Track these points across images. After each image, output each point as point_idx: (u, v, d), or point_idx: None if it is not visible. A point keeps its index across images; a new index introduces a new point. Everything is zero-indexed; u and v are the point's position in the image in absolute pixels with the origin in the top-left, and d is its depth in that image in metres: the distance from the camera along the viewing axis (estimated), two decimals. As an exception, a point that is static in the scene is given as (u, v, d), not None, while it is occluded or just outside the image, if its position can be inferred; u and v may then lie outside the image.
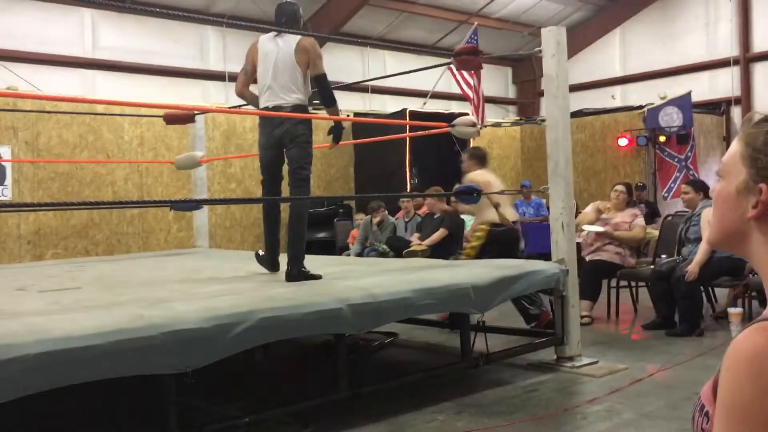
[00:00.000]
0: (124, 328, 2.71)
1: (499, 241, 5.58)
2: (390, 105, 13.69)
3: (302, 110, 4.37)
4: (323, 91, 4.48)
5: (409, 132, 8.92)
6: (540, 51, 4.55)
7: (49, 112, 8.28)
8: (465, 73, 9.78)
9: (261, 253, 4.64)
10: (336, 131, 4.59)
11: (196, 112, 6.75)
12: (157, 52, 11.99)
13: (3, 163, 8.31)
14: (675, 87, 12.83)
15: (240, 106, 6.18)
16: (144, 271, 5.36)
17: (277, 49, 4.45)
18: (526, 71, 16.12)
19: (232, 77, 12.83)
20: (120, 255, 8.34)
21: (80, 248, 8.76)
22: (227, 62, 12.92)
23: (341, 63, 13.83)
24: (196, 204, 7.33)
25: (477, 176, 5.74)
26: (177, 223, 9.50)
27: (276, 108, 4.29)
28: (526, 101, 16.64)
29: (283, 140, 4.30)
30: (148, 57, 11.86)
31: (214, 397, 3.64)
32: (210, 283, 4.21)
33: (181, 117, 7.05)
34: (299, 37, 4.50)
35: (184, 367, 2.80)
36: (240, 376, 4.37)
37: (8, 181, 8.41)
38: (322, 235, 10.38)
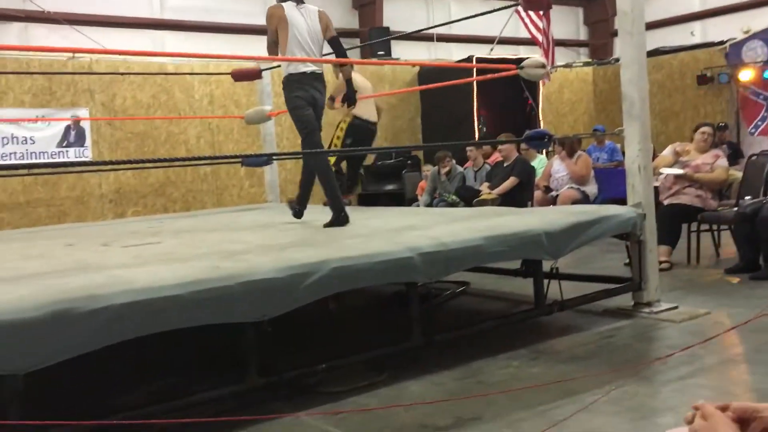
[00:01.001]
0: (203, 278, 2.78)
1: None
2: (456, 53, 13.41)
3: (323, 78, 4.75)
4: (342, 50, 4.82)
5: (476, 77, 8.74)
6: (613, -15, 4.34)
7: (122, 74, 8.50)
8: (534, 16, 9.48)
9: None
10: (349, 94, 4.97)
11: (262, 67, 6.79)
12: (222, 10, 12.06)
13: (82, 125, 8.61)
14: (759, 19, 12.07)
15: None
16: (219, 226, 5.50)
17: (305, 21, 4.64)
18: (598, 10, 15.48)
19: (297, 32, 12.85)
20: (196, 211, 8.58)
21: (159, 206, 9.06)
22: (291, 17, 12.91)
23: (404, 12, 13.61)
24: (266, 159, 7.44)
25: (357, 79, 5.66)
26: (248, 180, 9.69)
27: (317, 75, 4.66)
28: (599, 42, 16.01)
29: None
30: (213, 15, 11.95)
31: (291, 346, 3.73)
32: (282, 236, 4.28)
33: (249, 73, 7.14)
34: (316, 8, 4.74)
35: (261, 315, 2.87)
36: (314, 325, 4.46)
37: (88, 142, 8.72)
38: (390, 187, 10.39)
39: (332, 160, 6.90)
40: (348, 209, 4.74)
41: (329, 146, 6.95)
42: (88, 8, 10.81)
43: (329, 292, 3.19)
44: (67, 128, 8.52)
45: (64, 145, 8.53)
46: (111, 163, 7.80)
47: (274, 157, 8.25)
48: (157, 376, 3.58)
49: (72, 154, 8.58)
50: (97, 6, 10.90)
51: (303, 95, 4.62)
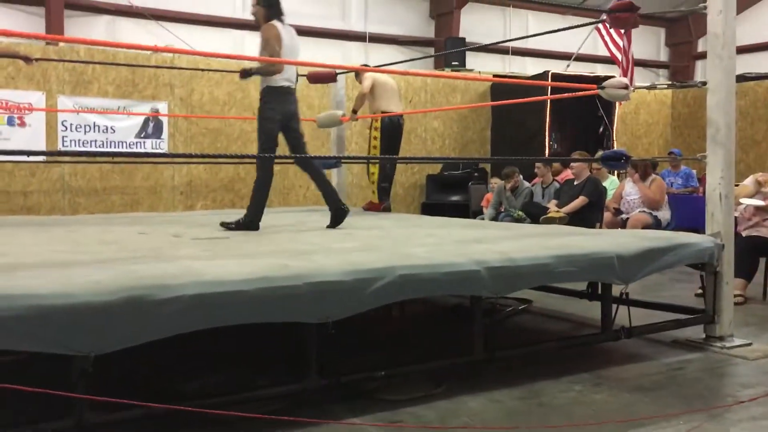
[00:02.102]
0: (271, 276, 2.80)
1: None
2: (531, 67, 13.29)
3: None
4: None
5: (552, 95, 8.60)
6: (705, 7, 4.20)
7: (202, 70, 8.71)
8: (614, 34, 9.29)
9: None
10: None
11: (337, 71, 6.86)
12: (300, 13, 12.25)
13: (160, 118, 8.87)
14: None
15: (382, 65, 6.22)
16: (285, 225, 5.55)
17: (291, 39, 5.06)
18: (682, 32, 15.09)
19: (373, 38, 12.96)
20: (262, 209, 8.70)
21: (227, 200, 9.24)
22: (368, 23, 13.02)
23: (481, 23, 13.56)
24: (334, 161, 7.50)
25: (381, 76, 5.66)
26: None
27: (292, 90, 5.05)
28: (680, 64, 15.58)
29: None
30: (291, 18, 12.11)
31: (352, 349, 3.73)
32: (349, 239, 4.29)
33: (324, 76, 7.23)
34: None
35: (324, 317, 2.87)
36: (376, 330, 4.45)
37: (164, 135, 8.97)
38: (456, 198, 10.33)
39: (375, 170, 6.95)
40: (410, 217, 4.83)
41: (369, 152, 7.05)
42: (172, 5, 11.18)
43: (394, 299, 3.17)
44: (146, 120, 8.78)
45: (142, 136, 8.80)
46: (185, 155, 8.01)
47: (342, 160, 8.32)
48: (220, 367, 3.63)
49: (149, 145, 8.84)
50: (181, 3, 11.25)
51: (279, 108, 4.92)
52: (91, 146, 8.43)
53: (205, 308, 2.61)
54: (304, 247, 3.75)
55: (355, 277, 2.93)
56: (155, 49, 7.33)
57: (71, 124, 8.39)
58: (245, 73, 4.99)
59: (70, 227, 5.09)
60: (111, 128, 8.65)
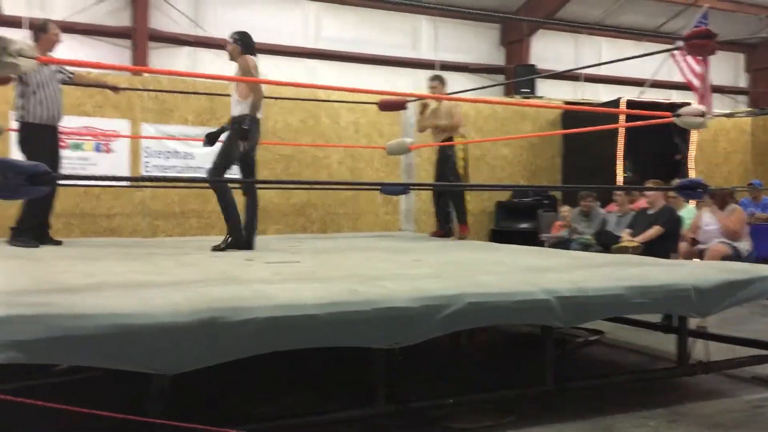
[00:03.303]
0: (340, 301, 2.85)
1: None
2: (603, 94, 13.10)
3: None
4: None
5: (626, 122, 8.46)
6: (787, 32, 4.08)
7: (275, 98, 8.96)
8: (691, 60, 9.08)
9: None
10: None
11: (409, 99, 6.95)
12: (372, 42, 12.50)
13: (235, 145, 9.14)
14: None
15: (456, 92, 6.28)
16: (355, 250, 5.62)
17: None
18: (762, 57, 14.60)
19: (443, 66, 13.05)
20: (333, 234, 8.84)
21: (298, 225, 9.42)
22: (439, 51, 13.13)
23: (552, 50, 13.48)
24: (403, 188, 7.57)
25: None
26: (385, 207, 9.86)
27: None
28: (761, 90, 15.05)
29: None
30: (363, 47, 12.41)
31: (420, 376, 3.73)
32: (418, 266, 4.31)
33: (394, 104, 7.33)
34: None
35: (393, 343, 2.89)
36: (445, 357, 4.44)
37: (239, 161, 9.24)
38: (524, 225, 10.22)
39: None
40: (479, 244, 4.90)
41: (456, 176, 7.08)
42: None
43: (462, 327, 3.17)
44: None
45: (219, 161, 9.09)
46: (258, 182, 8.22)
47: (411, 187, 8.38)
48: (289, 390, 3.69)
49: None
50: (257, 34, 11.55)
51: (254, 137, 5.35)
52: (171, 172, 8.76)
53: (276, 331, 2.67)
54: (373, 273, 3.79)
55: (423, 303, 2.94)
56: (230, 79, 7.60)
57: (153, 151, 8.76)
58: (244, 134, 5.29)
59: (149, 249, 5.30)
60: (190, 154, 8.97)
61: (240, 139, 5.30)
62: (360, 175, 9.85)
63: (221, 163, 5.37)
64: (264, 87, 9.12)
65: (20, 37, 7.94)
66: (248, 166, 5.58)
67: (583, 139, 10.02)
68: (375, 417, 2.99)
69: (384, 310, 2.85)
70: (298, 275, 3.72)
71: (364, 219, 9.86)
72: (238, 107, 5.41)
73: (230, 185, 5.64)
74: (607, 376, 4.06)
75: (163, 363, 2.45)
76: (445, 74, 12.97)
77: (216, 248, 5.22)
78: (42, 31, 5.41)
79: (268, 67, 11.05)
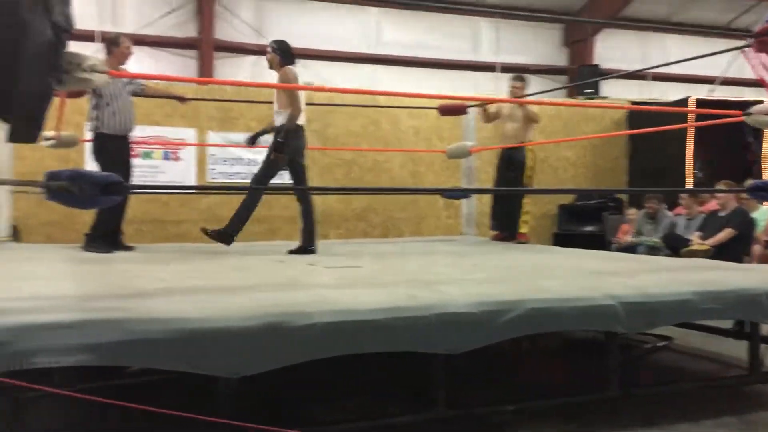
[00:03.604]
0: (399, 306, 2.87)
1: None
2: (671, 93, 12.72)
3: None
4: None
5: (695, 121, 8.21)
6: None
7: (337, 105, 9.07)
8: (763, 57, 8.74)
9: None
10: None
11: (469, 103, 6.93)
12: (432, 46, 12.50)
13: (298, 151, 9.30)
14: None
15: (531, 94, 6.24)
16: (416, 255, 5.64)
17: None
18: (841, 50, 13.89)
19: (504, 68, 12.95)
20: (394, 238, 8.88)
21: (359, 230, 9.50)
22: (499, 53, 13.04)
23: (616, 49, 13.20)
24: (464, 192, 7.54)
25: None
26: (446, 210, 9.85)
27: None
28: (840, 85, 14.34)
29: None
30: (424, 51, 12.42)
31: (481, 381, 3.71)
32: (478, 270, 4.30)
33: (455, 108, 7.32)
34: None
35: (452, 348, 2.90)
36: (506, 363, 4.41)
37: (302, 166, 9.40)
38: (589, 228, 10.03)
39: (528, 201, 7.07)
40: (540, 248, 4.86)
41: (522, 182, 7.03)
42: (312, 43, 11.74)
43: (523, 333, 3.14)
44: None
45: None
46: (319, 189, 8.33)
47: (472, 193, 8.33)
48: (349, 394, 3.73)
49: (286, 176, 9.25)
50: (320, 41, 11.80)
51: (296, 146, 5.53)
52: (235, 178, 8.98)
53: (337, 336, 2.71)
54: (433, 278, 3.81)
55: (483, 309, 2.94)
56: (300, 88, 7.75)
57: (219, 158, 8.99)
58: (280, 148, 5.43)
59: (216, 255, 5.44)
60: (254, 161, 9.15)
61: (275, 150, 5.46)
62: (421, 179, 9.86)
63: (263, 173, 5.58)
64: (325, 94, 9.27)
65: (93, 50, 8.25)
66: (296, 173, 5.70)
67: (650, 140, 9.77)
68: (435, 422, 2.99)
69: (443, 316, 2.85)
70: (358, 280, 3.77)
71: (426, 223, 9.87)
72: (278, 118, 5.55)
73: (285, 192, 5.79)
74: (676, 382, 3.96)
75: (229, 366, 2.52)
76: (506, 76, 12.94)
77: (291, 251, 5.50)
78: (114, 44, 5.63)
79: (329, 73, 11.23)
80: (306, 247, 5.56)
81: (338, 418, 3.01)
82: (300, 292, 3.14)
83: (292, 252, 5.51)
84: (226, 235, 5.57)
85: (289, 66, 5.54)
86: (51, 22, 2.39)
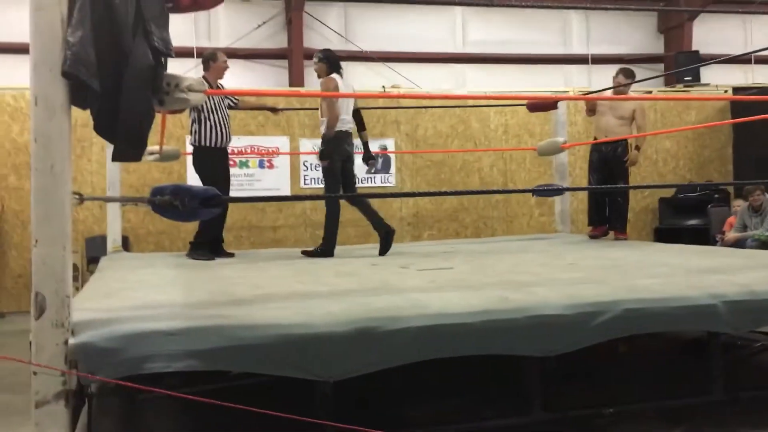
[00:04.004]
0: (492, 309, 2.88)
1: None
2: (778, 75, 12.01)
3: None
4: (361, 121, 6.10)
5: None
6: None
7: (425, 107, 9.10)
8: None
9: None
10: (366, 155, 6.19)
11: (559, 98, 6.80)
12: (520, 42, 12.32)
13: (388, 154, 9.40)
14: None
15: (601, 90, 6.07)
16: (508, 255, 5.59)
17: (346, 87, 5.89)
18: None
19: (596, 59, 12.60)
20: (486, 238, 8.82)
21: (451, 230, 9.49)
22: (591, 44, 12.70)
23: (716, 33, 12.57)
24: (558, 189, 7.40)
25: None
26: (539, 208, 9.69)
27: (350, 133, 5.87)
28: None
29: None
30: (512, 47, 12.26)
31: (577, 384, 3.65)
32: (572, 270, 4.23)
33: (544, 104, 7.18)
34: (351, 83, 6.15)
35: (547, 351, 2.87)
36: (603, 365, 4.31)
37: (392, 169, 9.50)
38: (693, 222, 9.61)
39: None
40: (640, 244, 4.74)
41: (627, 179, 6.77)
42: (399, 46, 11.83)
43: (619, 335, 3.08)
44: (376, 156, 9.37)
45: (372, 171, 9.39)
46: (410, 194, 8.42)
47: (565, 190, 8.15)
48: (444, 395, 3.76)
49: (378, 180, 9.41)
50: (406, 43, 11.87)
51: (341, 151, 5.70)
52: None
53: (429, 340, 2.75)
54: (525, 278, 3.77)
55: (577, 311, 2.90)
56: (374, 96, 7.84)
57: (311, 164, 9.21)
58: (324, 155, 5.68)
59: (311, 260, 5.59)
60: (344, 166, 9.34)
61: (319, 159, 5.77)
62: (512, 177, 9.75)
63: (328, 184, 5.84)
64: (413, 93, 9.31)
65: (192, 65, 8.57)
66: (346, 180, 5.88)
67: (758, 127, 9.24)
68: (531, 425, 2.98)
69: (536, 318, 2.84)
70: (450, 282, 3.79)
71: (518, 221, 9.75)
72: (322, 127, 5.74)
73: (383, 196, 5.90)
74: (788, 385, 3.76)
75: (325, 370, 2.61)
76: (597, 68, 12.59)
77: (306, 253, 5.76)
78: (212, 60, 5.88)
79: (416, 75, 11.26)
80: (322, 249, 5.70)
81: (430, 420, 3.04)
82: (393, 296, 3.19)
83: (305, 252, 5.76)
84: (326, 252, 5.72)
85: (333, 75, 5.69)
86: (151, 47, 2.55)
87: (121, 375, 2.38)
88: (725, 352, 3.32)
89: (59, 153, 2.33)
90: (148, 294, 3.41)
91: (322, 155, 5.68)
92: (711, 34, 12.48)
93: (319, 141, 9.01)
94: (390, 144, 9.43)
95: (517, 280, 3.74)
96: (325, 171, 5.80)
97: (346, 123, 5.75)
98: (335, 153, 5.67)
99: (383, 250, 5.74)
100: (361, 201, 5.90)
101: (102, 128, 2.50)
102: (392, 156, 9.43)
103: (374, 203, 9.26)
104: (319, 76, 5.85)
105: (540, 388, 2.96)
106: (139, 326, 2.48)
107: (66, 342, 2.31)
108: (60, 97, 2.32)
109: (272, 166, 9.13)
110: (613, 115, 6.77)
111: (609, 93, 7.00)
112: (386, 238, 5.74)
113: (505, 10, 12.15)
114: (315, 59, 5.87)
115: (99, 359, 2.35)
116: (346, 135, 5.78)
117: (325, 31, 11.76)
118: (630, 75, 6.71)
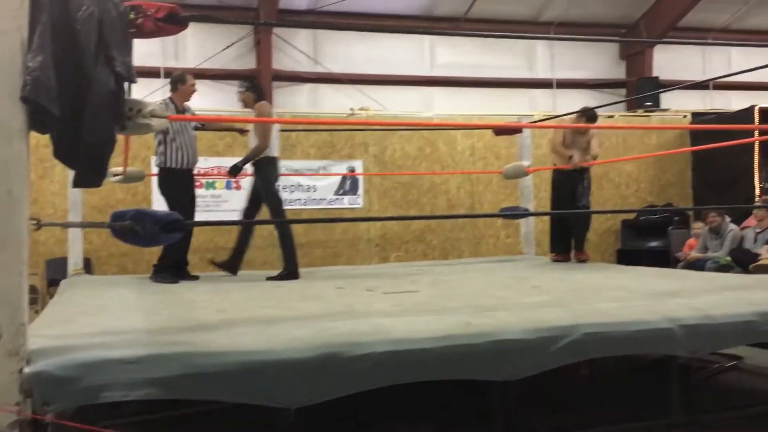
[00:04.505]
0: (454, 334, 2.89)
1: None
2: (735, 102, 12.35)
3: None
4: None
5: (759, 135, 7.96)
6: None
7: (393, 129, 9.17)
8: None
9: None
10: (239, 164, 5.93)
11: (524, 125, 6.90)
12: (487, 66, 12.51)
13: (356, 176, 9.45)
14: None
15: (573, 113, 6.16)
16: (474, 278, 5.64)
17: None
18: None
19: (560, 84, 12.85)
20: (453, 260, 8.87)
21: (419, 252, 9.53)
22: (555, 69, 12.94)
23: (676, 60, 12.92)
24: (523, 212, 7.48)
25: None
26: (505, 230, 9.79)
27: None
28: None
29: None
30: (479, 71, 12.44)
31: (539, 408, 3.68)
32: (535, 293, 4.27)
33: (509, 128, 7.30)
34: None
35: (507, 375, 2.90)
36: (565, 389, 4.35)
37: (360, 191, 9.53)
38: (654, 243, 9.79)
39: None
40: (603, 266, 4.78)
41: (588, 204, 6.86)
42: (368, 69, 11.93)
43: (579, 358, 3.12)
44: (344, 178, 9.40)
45: (340, 192, 9.41)
46: (377, 219, 8.42)
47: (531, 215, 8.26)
48: (412, 419, 3.75)
49: (346, 201, 9.44)
50: (375, 66, 11.98)
51: (274, 174, 5.96)
52: (295, 204, 9.17)
53: (393, 365, 2.75)
54: (489, 302, 3.81)
55: (537, 335, 2.93)
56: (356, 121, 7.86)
57: (279, 185, 9.19)
58: (235, 170, 5.86)
59: (277, 282, 5.56)
60: (312, 187, 9.35)
61: (231, 173, 5.94)
62: (479, 199, 9.84)
63: (273, 203, 5.97)
64: (381, 118, 9.37)
65: (159, 85, 8.50)
66: (257, 202, 6.11)
67: (715, 151, 9.49)
68: (494, 449, 2.99)
69: (497, 343, 2.86)
70: (415, 306, 3.80)
71: (485, 243, 9.83)
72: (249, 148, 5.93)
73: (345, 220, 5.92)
74: (746, 406, 3.83)
75: (286, 397, 2.59)
76: (562, 92, 12.82)
77: (271, 279, 5.73)
78: (181, 82, 5.86)
79: (384, 98, 11.35)
80: (286, 273, 5.78)
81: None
82: (357, 320, 3.19)
83: (270, 278, 5.72)
84: (291, 275, 5.78)
85: (262, 101, 5.95)
86: (113, 72, 2.54)
87: (78, 404, 2.34)
88: (684, 375, 3.38)
89: (17, 178, 2.30)
90: (108, 319, 3.36)
91: (233, 170, 5.87)
92: (671, 60, 12.82)
93: (289, 162, 9.01)
94: (358, 166, 9.47)
95: (481, 303, 3.77)
96: (269, 192, 5.95)
97: (275, 149, 5.98)
98: (272, 176, 5.92)
99: (275, 278, 5.75)
100: (282, 227, 5.99)
101: (62, 154, 2.48)
102: (360, 177, 9.47)
103: (342, 225, 9.34)
104: (246, 105, 6.05)
105: (502, 412, 2.98)
106: (98, 354, 2.45)
107: (21, 371, 2.27)
108: (18, 122, 2.30)
109: (240, 188, 9.08)
110: (577, 148, 6.81)
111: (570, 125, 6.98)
112: (286, 277, 5.77)
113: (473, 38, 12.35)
114: (241, 89, 6.05)
115: (55, 388, 2.31)
116: (277, 160, 6.02)
117: (294, 53, 11.82)
118: (592, 119, 6.70)
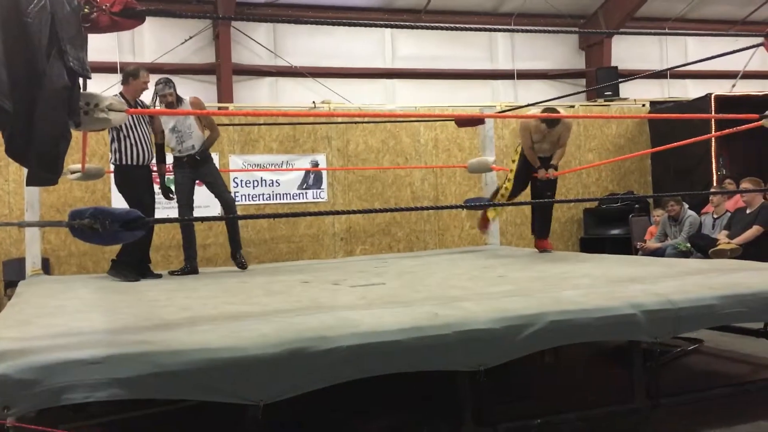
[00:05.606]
0: (422, 326, 2.90)
1: None
2: (692, 90, 12.60)
3: None
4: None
5: (716, 124, 8.12)
6: None
7: (356, 123, 9.14)
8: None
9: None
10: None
11: (484, 118, 6.92)
12: (449, 57, 12.54)
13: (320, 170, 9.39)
14: None
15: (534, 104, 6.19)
16: (439, 269, 5.65)
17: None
18: None
19: (521, 74, 12.95)
20: (418, 251, 8.89)
21: (384, 244, 9.53)
22: (516, 60, 13.03)
23: (634, 50, 13.11)
24: (487, 202, 7.52)
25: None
26: (470, 221, 9.84)
27: None
28: None
29: None
30: (441, 62, 12.47)
31: (506, 397, 3.71)
32: (500, 283, 4.30)
33: (472, 119, 7.33)
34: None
35: (475, 365, 2.91)
36: (530, 377, 4.39)
37: (324, 184, 9.48)
38: (615, 231, 9.95)
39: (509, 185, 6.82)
40: (566, 255, 4.87)
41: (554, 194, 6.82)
42: (329, 62, 11.85)
43: (545, 346, 3.15)
44: (307, 172, 9.34)
45: (304, 187, 9.36)
46: (341, 213, 8.40)
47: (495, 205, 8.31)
48: (385, 410, 3.75)
49: (310, 195, 9.39)
50: (337, 59, 11.91)
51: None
52: (259, 199, 9.09)
53: (360, 359, 2.75)
54: (455, 293, 3.81)
55: (504, 324, 2.95)
56: (321, 114, 7.80)
57: (242, 180, 9.11)
58: (202, 153, 6.09)
59: (242, 278, 5.51)
60: (276, 182, 9.27)
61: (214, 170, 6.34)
62: (443, 191, 9.88)
63: (224, 191, 6.40)
64: (344, 111, 9.32)
65: (116, 80, 8.36)
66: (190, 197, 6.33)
67: (673, 137, 9.67)
68: (463, 439, 3.00)
69: (464, 333, 2.87)
70: (381, 298, 3.79)
71: (450, 234, 9.87)
72: (197, 141, 6.08)
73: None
74: (707, 389, 3.91)
75: (253, 393, 2.57)
76: (523, 83, 12.93)
77: (173, 272, 6.00)
78: (133, 77, 5.73)
79: (346, 90, 11.30)
80: (186, 268, 6.01)
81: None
82: (323, 314, 3.17)
83: (173, 273, 5.98)
84: (192, 270, 6.01)
85: (195, 96, 6.26)
86: (66, 67, 2.47)
87: (39, 407, 2.29)
88: (646, 360, 3.43)
89: (-31, 177, 2.23)
90: (68, 320, 3.28)
91: (213, 170, 6.23)
92: (629, 50, 13.01)
93: (251, 157, 8.96)
94: (321, 159, 9.42)
95: (447, 294, 3.78)
96: (220, 180, 6.33)
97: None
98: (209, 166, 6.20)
99: (175, 272, 6.00)
100: (189, 227, 6.19)
101: (14, 152, 2.41)
102: (324, 172, 9.43)
103: (307, 219, 9.29)
104: (170, 104, 5.96)
105: (471, 402, 2.99)
106: (58, 355, 2.39)
107: (-22, 375, 2.21)
108: (-31, 120, 2.23)
109: (201, 184, 8.97)
110: (547, 142, 6.73)
111: (534, 122, 6.87)
112: (184, 271, 5.99)
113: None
114: (169, 90, 5.98)
115: (15, 392, 2.25)
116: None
117: (253, 46, 11.69)
118: (552, 125, 6.61)
